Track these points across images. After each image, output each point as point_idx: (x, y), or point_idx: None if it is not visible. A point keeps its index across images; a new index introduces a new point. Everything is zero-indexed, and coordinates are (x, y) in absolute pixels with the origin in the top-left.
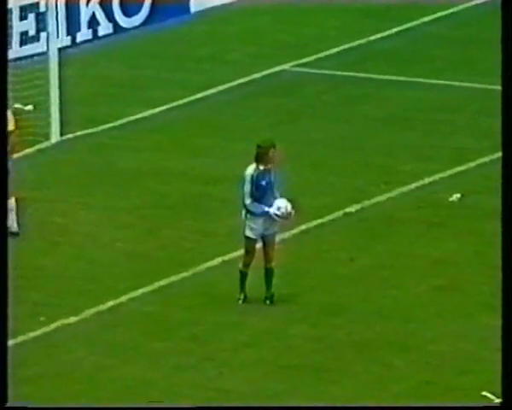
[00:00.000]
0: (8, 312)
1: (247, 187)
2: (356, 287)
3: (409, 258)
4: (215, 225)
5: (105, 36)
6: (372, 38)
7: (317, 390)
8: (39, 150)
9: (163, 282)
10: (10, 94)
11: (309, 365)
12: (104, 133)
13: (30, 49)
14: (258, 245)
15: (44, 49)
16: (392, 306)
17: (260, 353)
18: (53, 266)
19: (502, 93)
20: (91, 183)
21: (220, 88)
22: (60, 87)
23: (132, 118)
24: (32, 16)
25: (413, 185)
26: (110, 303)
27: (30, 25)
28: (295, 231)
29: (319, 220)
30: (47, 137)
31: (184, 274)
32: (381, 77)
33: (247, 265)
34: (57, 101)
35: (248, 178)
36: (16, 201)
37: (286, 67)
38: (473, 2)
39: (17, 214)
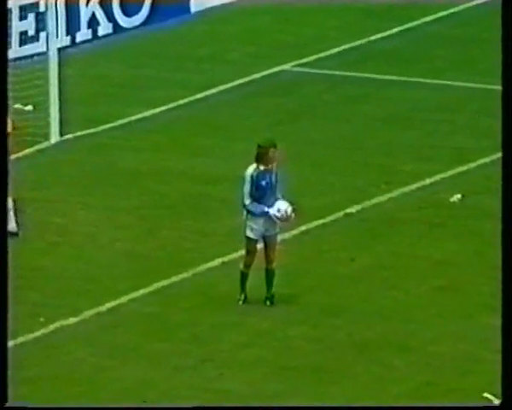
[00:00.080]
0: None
1: (247, 187)
2: (356, 288)
3: (409, 258)
4: (215, 226)
5: (105, 36)
6: (372, 37)
7: (317, 391)
8: (39, 150)
9: (163, 282)
10: (10, 94)
11: (309, 365)
12: (104, 133)
13: (29, 49)
14: (260, 246)
15: (44, 49)
16: (392, 306)
17: (260, 353)
18: (52, 266)
19: (502, 93)
20: (91, 183)
21: (220, 88)
22: (59, 87)
23: (132, 118)
24: (31, 16)
25: (414, 186)
26: (110, 304)
27: (29, 25)
28: (295, 231)
29: (319, 221)
30: (46, 137)
31: (184, 275)
32: (381, 77)
33: (247, 266)
34: (57, 101)
35: (248, 178)
36: (14, 201)
37: (286, 66)
38: (473, 2)
39: (16, 214)
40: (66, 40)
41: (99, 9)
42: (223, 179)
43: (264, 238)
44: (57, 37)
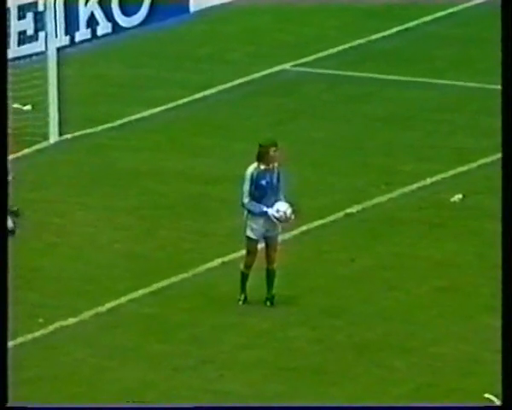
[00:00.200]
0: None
1: (246, 186)
2: (356, 288)
3: (410, 259)
4: (215, 226)
5: (104, 35)
6: (372, 37)
7: (318, 392)
8: (38, 150)
9: (162, 283)
10: (10, 94)
11: (309, 366)
12: (103, 133)
13: (28, 48)
14: (260, 246)
15: (43, 48)
16: (393, 307)
17: (260, 354)
18: (51, 266)
19: (502, 93)
20: (90, 183)
21: (220, 88)
22: (58, 87)
23: (131, 118)
24: (30, 15)
25: (414, 186)
26: (109, 305)
27: (28, 24)
28: (295, 231)
29: (320, 221)
30: (45, 137)
31: (184, 275)
32: (381, 76)
33: (248, 266)
34: (56, 101)
35: (248, 177)
36: None
37: (286, 66)
38: (473, 2)
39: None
40: (65, 40)
41: (98, 9)
42: (222, 179)
43: (266, 239)
44: (56, 36)
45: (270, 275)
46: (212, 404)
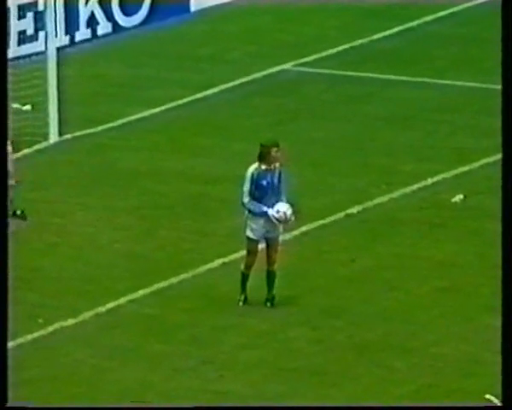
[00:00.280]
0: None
1: (247, 185)
2: (357, 289)
3: (411, 259)
4: (215, 226)
5: (104, 35)
6: (372, 37)
7: (318, 393)
8: (37, 151)
9: (162, 283)
10: (10, 94)
11: (309, 367)
12: (103, 133)
13: (28, 48)
14: (261, 247)
15: (43, 48)
16: (393, 308)
17: (260, 355)
18: (51, 267)
19: (502, 93)
20: (90, 183)
21: (220, 87)
22: (58, 87)
23: (131, 118)
24: (30, 15)
25: (415, 186)
26: (109, 305)
27: (28, 24)
28: (296, 232)
29: (320, 221)
30: (45, 137)
31: (184, 276)
32: (381, 76)
33: (248, 266)
34: (56, 101)
35: (248, 177)
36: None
37: (286, 66)
38: (473, 2)
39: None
40: (65, 40)
41: (98, 9)
42: (222, 179)
43: (267, 239)
44: (56, 36)
45: (270, 276)
46: (212, 404)
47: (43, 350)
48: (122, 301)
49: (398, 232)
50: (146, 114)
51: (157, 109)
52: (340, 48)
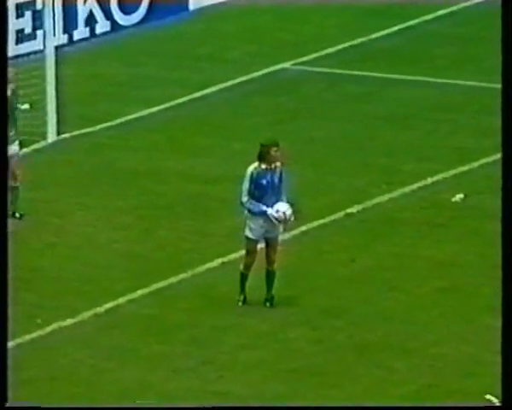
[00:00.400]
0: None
1: (246, 185)
2: (357, 289)
3: (411, 259)
4: (214, 226)
5: (102, 34)
6: (372, 36)
7: (318, 393)
8: (36, 150)
9: (161, 283)
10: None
11: (309, 368)
12: (101, 133)
13: (26, 47)
14: (260, 246)
15: (41, 47)
16: (393, 308)
17: (260, 355)
18: (49, 267)
19: (501, 92)
20: (88, 183)
21: (219, 87)
22: (56, 86)
23: (130, 117)
24: (28, 14)
25: (415, 186)
26: (107, 305)
27: (26, 22)
28: (295, 231)
29: (320, 221)
30: (43, 136)
31: (183, 276)
32: (381, 75)
33: (247, 266)
34: (54, 100)
35: (248, 176)
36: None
37: (286, 65)
38: (474, 1)
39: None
40: (64, 38)
41: (96, 7)
42: (222, 179)
43: (267, 239)
44: (54, 35)
45: (269, 276)
46: (212, 405)
47: (41, 351)
48: (121, 301)
49: (398, 232)
50: (145, 113)
51: (156, 109)
52: (340, 47)
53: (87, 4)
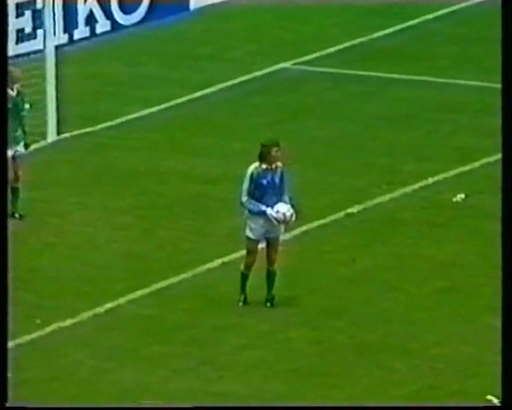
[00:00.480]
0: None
1: (245, 184)
2: (357, 289)
3: (411, 259)
4: (214, 226)
5: (103, 33)
6: (373, 35)
7: (318, 394)
8: (36, 150)
9: (161, 284)
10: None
11: (310, 368)
12: (101, 132)
13: (26, 46)
14: (261, 246)
15: (41, 46)
16: (394, 308)
17: (260, 356)
18: (49, 267)
19: (502, 92)
20: (88, 183)
21: (220, 86)
22: (56, 85)
23: (130, 117)
24: (28, 13)
25: (416, 186)
26: (107, 305)
27: (26, 22)
28: (296, 231)
29: (320, 221)
30: (43, 136)
31: (183, 276)
32: (382, 75)
33: (248, 266)
34: (54, 99)
35: (248, 176)
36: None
37: (286, 65)
38: (474, 0)
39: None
40: (64, 38)
41: (97, 7)
42: (222, 179)
43: (268, 239)
44: (54, 34)
45: (270, 276)
46: (212, 405)
47: (41, 351)
48: (121, 301)
49: (398, 232)
50: (145, 113)
51: (156, 108)
52: (341, 46)
53: (87, 4)
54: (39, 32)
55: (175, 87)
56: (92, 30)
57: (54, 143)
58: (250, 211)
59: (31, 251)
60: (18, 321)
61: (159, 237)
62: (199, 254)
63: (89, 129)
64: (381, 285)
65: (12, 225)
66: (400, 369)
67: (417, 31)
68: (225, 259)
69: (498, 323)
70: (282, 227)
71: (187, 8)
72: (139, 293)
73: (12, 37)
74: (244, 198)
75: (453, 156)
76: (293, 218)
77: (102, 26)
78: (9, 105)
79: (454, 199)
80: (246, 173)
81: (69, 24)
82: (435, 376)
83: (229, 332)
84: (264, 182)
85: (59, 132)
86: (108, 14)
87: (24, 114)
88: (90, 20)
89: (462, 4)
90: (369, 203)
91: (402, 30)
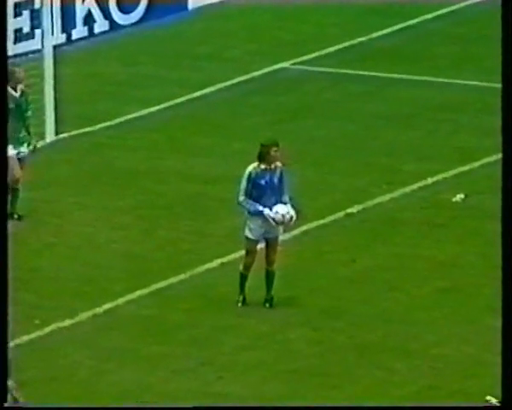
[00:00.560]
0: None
1: (243, 184)
2: (357, 289)
3: (411, 260)
4: (213, 226)
5: (101, 33)
6: (373, 35)
7: (318, 394)
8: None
9: (160, 284)
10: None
11: (309, 368)
12: (100, 132)
13: (24, 46)
14: (260, 246)
15: (39, 46)
16: (394, 309)
17: (260, 356)
18: (48, 267)
19: (502, 92)
20: (87, 183)
21: (219, 86)
22: (55, 85)
23: (129, 116)
24: (26, 13)
25: (416, 186)
26: (106, 306)
27: (24, 21)
28: (296, 232)
29: (320, 221)
30: (42, 136)
31: (182, 276)
32: (382, 75)
33: (247, 267)
34: (52, 99)
35: (246, 176)
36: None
37: (285, 64)
38: (475, 0)
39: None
40: (62, 37)
41: (95, 6)
42: (221, 179)
43: (267, 239)
44: (53, 34)
45: (269, 276)
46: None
47: (40, 351)
48: (120, 301)
49: (398, 232)
50: (144, 112)
51: (155, 108)
52: (340, 46)
53: (85, 3)
54: (37, 31)
55: (174, 87)
56: (90, 30)
57: (52, 143)
58: (249, 212)
59: (30, 251)
60: (17, 321)
61: (158, 237)
62: (198, 254)
63: (87, 129)
64: (381, 285)
65: (12, 225)
66: (400, 369)
67: (417, 30)
68: (224, 259)
69: (498, 323)
70: (281, 227)
71: (185, 7)
72: (139, 293)
73: (10, 36)
74: (241, 198)
75: (453, 156)
76: (293, 220)
77: (101, 25)
78: (12, 105)
79: (454, 199)
80: (244, 173)
81: (67, 24)
82: (435, 376)
83: (229, 333)
84: (263, 182)
85: (57, 132)
86: (107, 14)
87: (28, 114)
88: (89, 19)
89: (462, 4)
90: (369, 203)
91: (402, 29)
